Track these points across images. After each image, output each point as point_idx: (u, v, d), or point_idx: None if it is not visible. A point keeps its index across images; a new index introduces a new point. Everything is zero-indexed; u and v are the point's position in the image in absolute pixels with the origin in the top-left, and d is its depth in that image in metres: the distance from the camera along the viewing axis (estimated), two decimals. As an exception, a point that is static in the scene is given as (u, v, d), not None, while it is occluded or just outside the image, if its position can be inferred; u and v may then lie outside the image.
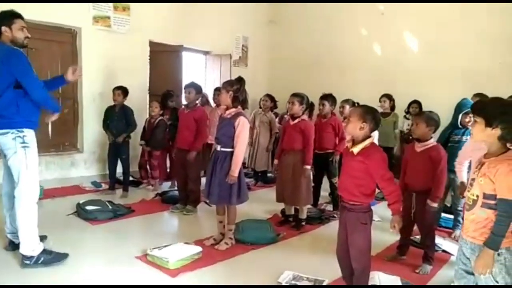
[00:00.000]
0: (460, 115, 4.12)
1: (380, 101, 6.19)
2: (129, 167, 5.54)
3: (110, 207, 4.50)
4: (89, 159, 6.24)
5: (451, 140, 4.19)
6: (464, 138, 4.09)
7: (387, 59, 7.36)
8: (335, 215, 4.80)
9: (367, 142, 2.61)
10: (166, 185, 6.04)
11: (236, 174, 3.56)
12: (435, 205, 3.32)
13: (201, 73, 8.11)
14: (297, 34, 8.54)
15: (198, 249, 3.50)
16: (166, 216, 4.78)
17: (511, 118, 1.97)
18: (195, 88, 4.77)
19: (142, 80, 6.77)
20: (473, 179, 2.10)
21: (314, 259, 3.59)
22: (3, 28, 3.10)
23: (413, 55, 7.13)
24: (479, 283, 2.06)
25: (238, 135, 3.56)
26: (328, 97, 5.03)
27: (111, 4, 6.19)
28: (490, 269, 1.98)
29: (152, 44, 6.86)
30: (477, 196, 2.05)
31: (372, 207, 2.78)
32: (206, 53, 7.98)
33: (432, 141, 3.41)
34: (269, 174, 6.65)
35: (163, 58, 7.10)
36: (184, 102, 5.37)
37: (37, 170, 3.18)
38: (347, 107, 5.30)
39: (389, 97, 6.16)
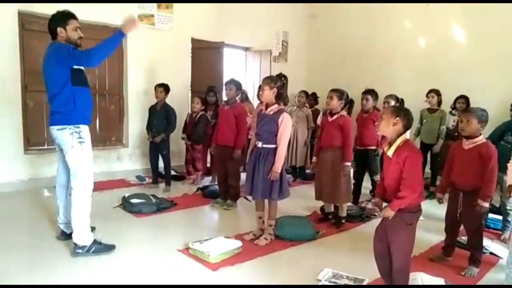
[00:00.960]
0: None
1: (427, 96, 5.97)
2: (170, 162, 5.70)
3: (154, 200, 4.64)
4: (134, 153, 6.46)
5: (505, 139, 4.00)
6: None
7: (432, 52, 7.10)
8: (376, 213, 4.72)
9: (400, 140, 2.56)
10: (207, 180, 6.16)
11: (279, 170, 3.59)
12: (487, 204, 3.17)
13: (241, 69, 8.17)
14: (337, 28, 8.41)
15: (239, 243, 3.55)
16: (207, 210, 4.89)
17: None
18: (236, 84, 4.82)
19: (184, 77, 6.91)
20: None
21: (353, 258, 3.56)
22: (59, 29, 3.24)
23: (460, 47, 6.84)
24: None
25: (282, 131, 3.58)
26: (371, 92, 4.95)
27: (155, 4, 6.36)
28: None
29: (193, 41, 6.98)
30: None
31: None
32: (246, 49, 8.02)
33: (482, 138, 3.26)
34: (307, 171, 6.62)
35: (205, 54, 7.21)
36: (224, 98, 5.44)
37: (92, 164, 3.35)
38: (392, 102, 5.19)
39: (436, 92, 5.93)
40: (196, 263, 3.31)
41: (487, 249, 3.69)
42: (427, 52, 7.22)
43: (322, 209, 4.62)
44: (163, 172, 5.73)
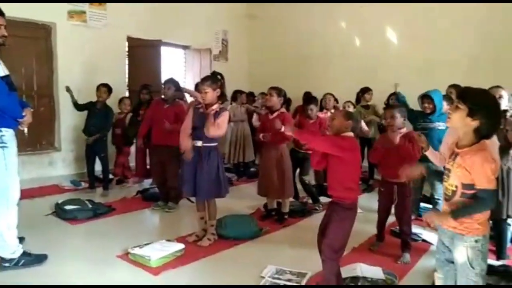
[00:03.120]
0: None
1: (363, 94, 6.25)
2: (108, 165, 5.47)
3: (90, 206, 4.43)
4: (68, 157, 6.12)
5: (418, 129, 4.28)
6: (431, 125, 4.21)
7: (368, 52, 7.39)
8: (317, 208, 4.83)
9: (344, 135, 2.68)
10: (147, 183, 5.97)
11: (212, 130, 3.52)
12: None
13: (181, 68, 8.01)
14: (277, 27, 8.50)
15: (181, 246, 3.47)
16: (147, 214, 4.73)
17: (492, 114, 2.00)
18: (174, 84, 4.72)
19: (120, 76, 6.67)
20: (448, 170, 2.12)
21: (297, 252, 3.60)
22: None
23: (392, 48, 7.19)
24: (458, 269, 2.10)
25: (220, 120, 3.55)
26: (314, 101, 5.05)
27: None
28: (435, 222, 2.12)
29: (130, 39, 6.76)
30: (456, 187, 2.07)
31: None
32: (185, 47, 7.89)
33: (405, 129, 3.54)
34: (252, 169, 6.64)
35: (142, 53, 7.00)
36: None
37: (15, 171, 3.09)
38: (332, 99, 5.33)
39: (370, 90, 6.24)
40: (136, 268, 3.19)
41: (419, 237, 3.91)
42: (363, 51, 7.51)
43: (265, 206, 4.65)
44: (101, 176, 5.48)
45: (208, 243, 3.69)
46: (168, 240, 3.62)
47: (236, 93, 6.82)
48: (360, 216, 4.17)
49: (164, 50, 7.36)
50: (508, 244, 3.57)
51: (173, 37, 7.41)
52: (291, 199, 4.62)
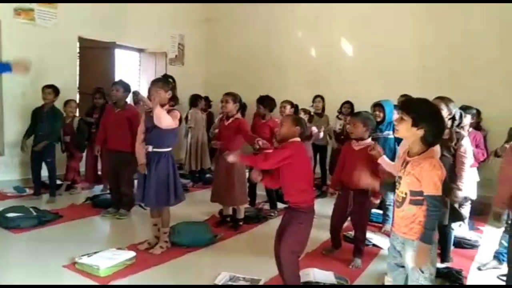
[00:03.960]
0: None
1: (314, 101, 6.36)
2: (55, 171, 5.21)
3: (35, 213, 4.19)
4: (11, 162, 5.76)
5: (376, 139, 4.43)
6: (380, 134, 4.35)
7: (321, 61, 7.57)
8: (272, 214, 4.85)
9: (291, 140, 2.73)
10: (97, 189, 5.76)
11: (160, 115, 3.30)
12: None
13: (135, 71, 7.83)
14: (234, 33, 8.53)
15: (132, 254, 3.37)
16: (97, 221, 4.55)
17: (435, 122, 2.09)
18: (123, 86, 4.60)
19: (70, 78, 6.40)
20: (400, 177, 2.20)
21: (251, 259, 3.59)
22: None
23: (346, 58, 7.40)
24: (408, 273, 2.18)
25: (174, 113, 3.47)
26: (265, 100, 5.07)
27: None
28: (427, 262, 2.09)
29: (82, 40, 6.51)
30: (406, 194, 2.15)
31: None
32: (140, 50, 7.72)
33: (369, 140, 3.53)
34: (208, 175, 6.59)
35: (94, 55, 6.77)
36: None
37: None
38: (288, 107, 5.40)
39: (322, 98, 6.38)
40: (84, 278, 3.05)
41: (370, 241, 4.01)
42: (317, 60, 7.67)
43: (220, 212, 4.61)
44: (47, 182, 5.22)
45: (161, 251, 3.60)
46: (119, 248, 3.50)
47: (196, 98, 6.76)
48: (314, 221, 4.24)
49: (118, 52, 7.15)
50: (452, 248, 3.74)
51: (127, 39, 7.23)
52: (246, 205, 4.61)
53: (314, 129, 4.91)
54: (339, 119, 6.46)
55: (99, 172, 5.97)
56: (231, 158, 2.79)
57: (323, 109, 6.38)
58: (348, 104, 6.44)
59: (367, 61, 7.06)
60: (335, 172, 3.67)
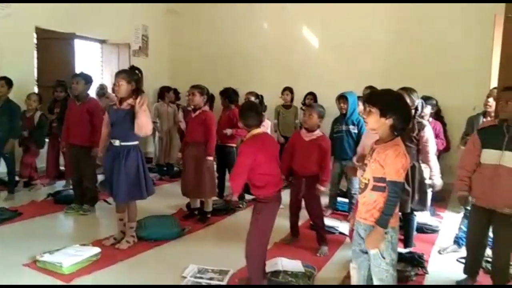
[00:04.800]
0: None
1: (282, 94, 6.40)
2: (14, 166, 5.00)
3: (-9, 211, 4.01)
4: (-35, 159, 5.48)
5: (335, 131, 4.58)
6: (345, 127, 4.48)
7: (289, 53, 7.56)
8: (240, 205, 4.86)
9: (250, 134, 2.73)
10: (59, 185, 5.57)
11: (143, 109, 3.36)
12: (324, 188, 3.62)
13: (97, 63, 7.58)
14: (199, 25, 8.39)
15: (96, 250, 3.29)
16: (59, 217, 4.41)
17: (402, 109, 2.16)
18: (84, 78, 4.46)
19: (28, 70, 6.11)
20: (366, 164, 2.25)
21: (219, 250, 3.59)
22: None
23: (313, 50, 7.44)
24: (370, 259, 2.23)
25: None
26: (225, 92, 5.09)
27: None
28: (379, 245, 2.15)
29: (39, 31, 6.23)
30: (368, 180, 2.20)
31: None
32: (102, 41, 7.48)
33: (319, 131, 3.63)
34: (175, 168, 6.50)
35: (53, 46, 6.48)
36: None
37: None
38: (252, 98, 5.38)
39: (290, 90, 6.43)
40: (46, 276, 2.97)
41: (336, 229, 4.10)
42: (284, 52, 7.66)
43: (188, 205, 4.57)
44: (5, 178, 5.00)
45: (127, 246, 3.53)
46: (83, 245, 3.42)
47: (164, 91, 6.63)
48: (282, 211, 4.29)
49: (78, 43, 6.90)
50: (414, 233, 3.87)
51: (88, 30, 6.97)
52: (215, 198, 4.59)
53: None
54: (303, 110, 6.53)
55: (62, 168, 5.77)
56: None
57: (292, 101, 6.42)
58: (311, 95, 6.52)
59: (333, 54, 7.12)
60: (282, 161, 3.63)
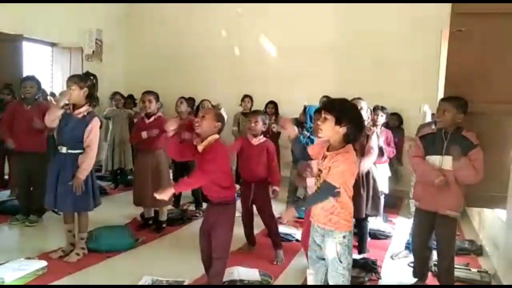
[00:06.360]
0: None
1: (243, 101, 6.43)
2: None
3: None
4: None
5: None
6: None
7: (246, 61, 7.61)
8: (197, 214, 4.79)
9: (211, 138, 2.69)
10: (4, 194, 5.24)
11: (84, 177, 3.27)
12: (279, 189, 3.67)
13: (47, 66, 7.26)
14: (154, 30, 8.24)
15: (43, 263, 3.13)
16: (3, 229, 4.18)
17: (356, 119, 2.22)
18: (37, 82, 4.29)
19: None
20: (320, 170, 2.28)
21: (175, 261, 3.51)
22: None
23: (270, 58, 7.52)
24: (328, 264, 2.26)
25: (91, 140, 3.30)
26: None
27: None
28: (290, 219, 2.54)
29: (-17, 32, 5.89)
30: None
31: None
32: (53, 44, 7.18)
33: (262, 136, 3.71)
34: (129, 176, 6.31)
35: (-1, 48, 6.15)
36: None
37: None
38: (209, 105, 5.37)
39: (251, 98, 6.48)
40: (-15, 293, 2.76)
41: (293, 237, 4.13)
42: (241, 60, 7.70)
43: (142, 215, 4.44)
44: None
45: (77, 258, 3.38)
46: (28, 258, 3.24)
47: (115, 95, 6.45)
48: (239, 219, 4.26)
49: (27, 46, 6.58)
50: (368, 239, 3.97)
51: (37, 32, 6.68)
52: (170, 206, 4.50)
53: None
54: (263, 118, 6.58)
55: (6, 176, 5.44)
56: (164, 196, 2.64)
57: (251, 108, 6.44)
58: (272, 104, 6.57)
59: (289, 62, 7.20)
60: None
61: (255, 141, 3.66)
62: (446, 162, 2.84)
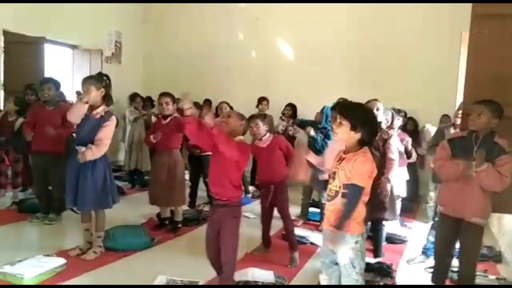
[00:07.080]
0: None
1: (260, 103, 6.46)
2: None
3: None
4: None
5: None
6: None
7: (263, 63, 7.64)
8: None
9: (237, 139, 2.70)
10: (25, 193, 5.36)
11: (86, 158, 3.29)
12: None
13: (68, 68, 7.41)
14: (173, 34, 8.35)
15: (61, 261, 3.18)
16: (23, 227, 4.26)
17: (371, 125, 2.25)
18: (55, 83, 4.35)
19: (-6, 74, 5.93)
20: (334, 173, 2.28)
21: (189, 261, 3.53)
22: None
23: (287, 60, 7.54)
24: (341, 270, 2.26)
25: (105, 131, 3.35)
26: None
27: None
28: (337, 246, 2.21)
29: (7, 34, 6.05)
30: (339, 188, 2.23)
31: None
32: (73, 47, 7.33)
33: (269, 135, 3.71)
34: (146, 177, 6.38)
35: (22, 50, 6.30)
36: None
37: None
38: (227, 107, 5.40)
39: (267, 100, 6.50)
40: (6, 289, 2.83)
41: (307, 240, 4.11)
42: (258, 63, 7.74)
43: (158, 215, 4.49)
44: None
45: (94, 256, 3.43)
46: (47, 255, 3.29)
47: (135, 97, 6.54)
48: (254, 221, 4.28)
49: (49, 48, 6.74)
50: (383, 243, 3.93)
51: (59, 35, 6.83)
52: (185, 207, 4.53)
53: None
54: (282, 120, 6.60)
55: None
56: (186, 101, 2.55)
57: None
58: (290, 106, 6.58)
59: (306, 64, 7.23)
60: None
61: (263, 143, 3.65)
62: (475, 167, 2.67)
